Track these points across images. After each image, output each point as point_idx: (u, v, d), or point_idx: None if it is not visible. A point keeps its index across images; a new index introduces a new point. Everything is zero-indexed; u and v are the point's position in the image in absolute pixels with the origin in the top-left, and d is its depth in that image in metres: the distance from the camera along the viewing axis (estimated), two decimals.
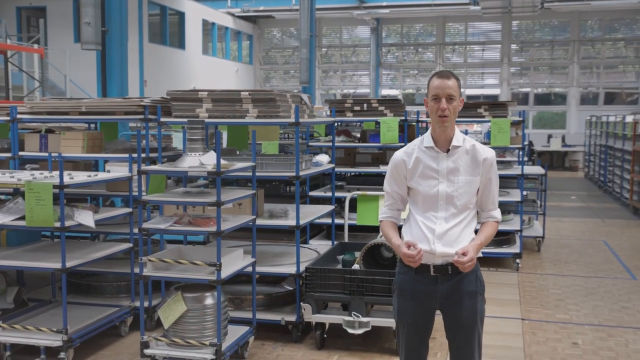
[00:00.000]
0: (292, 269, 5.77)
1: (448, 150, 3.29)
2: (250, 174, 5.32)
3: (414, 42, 29.37)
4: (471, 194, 3.28)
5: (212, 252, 5.28)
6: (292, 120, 5.65)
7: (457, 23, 28.48)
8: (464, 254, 3.12)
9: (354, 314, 5.37)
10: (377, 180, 9.87)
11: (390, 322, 5.40)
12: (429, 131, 3.38)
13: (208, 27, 25.28)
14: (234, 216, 5.32)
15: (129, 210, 5.76)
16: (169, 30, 22.25)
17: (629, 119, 14.43)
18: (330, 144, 9.03)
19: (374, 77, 28.95)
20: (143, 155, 5.85)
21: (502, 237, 8.73)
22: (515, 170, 9.17)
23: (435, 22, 28.47)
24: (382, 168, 8.83)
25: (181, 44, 22.98)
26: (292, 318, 5.71)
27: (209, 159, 4.85)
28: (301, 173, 5.68)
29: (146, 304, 5.89)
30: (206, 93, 5.75)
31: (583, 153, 23.56)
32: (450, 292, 3.28)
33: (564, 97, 27.19)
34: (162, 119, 5.88)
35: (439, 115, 3.25)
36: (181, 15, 22.99)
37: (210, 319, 4.90)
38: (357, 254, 6.04)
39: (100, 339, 5.64)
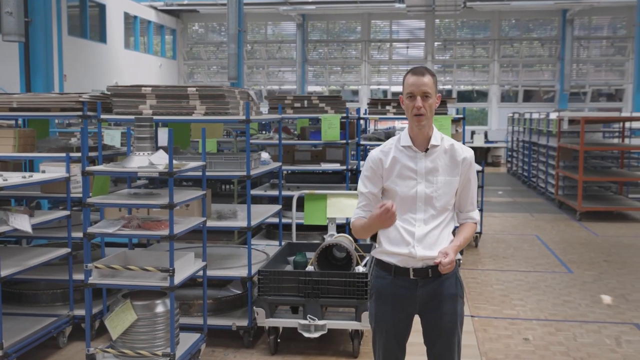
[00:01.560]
0: (243, 272, 5.56)
1: (426, 150, 3.17)
2: (200, 173, 5.08)
3: (339, 38, 29.41)
4: (450, 195, 3.18)
5: (159, 256, 5.03)
6: (243, 117, 5.44)
7: (382, 20, 28.74)
8: (445, 255, 3.02)
9: (310, 317, 5.21)
10: (315, 178, 9.77)
11: (346, 325, 5.28)
12: (405, 130, 3.26)
13: (130, 21, 24.49)
14: (183, 218, 5.06)
15: (67, 213, 5.40)
16: (89, 23, 21.39)
17: (553, 116, 14.88)
18: (269, 141, 8.88)
19: (300, 73, 28.83)
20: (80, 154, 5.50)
21: None
22: None
23: (360, 19, 28.62)
24: (323, 166, 8.71)
25: (102, 38, 22.15)
26: (243, 323, 5.51)
27: (159, 159, 4.58)
28: (252, 172, 5.48)
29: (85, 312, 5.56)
30: (150, 89, 5.45)
31: (505, 149, 24.23)
32: (431, 296, 3.17)
33: (485, 95, 27.88)
34: (103, 116, 5.54)
35: (414, 114, 3.13)
36: (102, 8, 22.15)
37: (162, 327, 4.64)
38: (308, 255, 5.90)
39: (37, 351, 5.26)
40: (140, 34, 25.38)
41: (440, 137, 3.20)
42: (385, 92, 29.13)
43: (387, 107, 8.47)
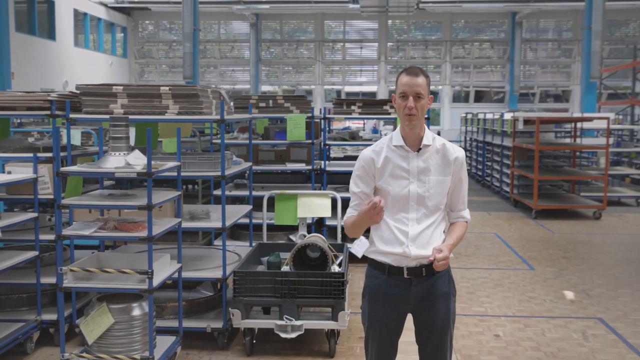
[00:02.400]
0: (217, 273, 5.50)
1: (419, 150, 3.20)
2: (175, 174, 5.01)
3: (293, 38, 29.40)
4: (442, 194, 3.21)
5: (134, 258, 4.95)
6: (217, 117, 5.38)
7: (336, 21, 28.85)
8: (439, 251, 3.04)
9: (287, 318, 5.19)
10: (279, 178, 9.75)
11: (323, 325, 5.28)
12: (397, 129, 3.27)
13: (80, 18, 24.00)
14: (158, 219, 4.96)
15: (35, 215, 5.25)
16: (37, 19, 20.85)
17: (507, 116, 15.19)
18: (234, 141, 8.81)
19: (254, 73, 28.72)
20: (51, 154, 5.35)
21: None
22: None
23: (314, 19, 28.68)
24: (288, 166, 8.69)
25: (51, 35, 21.63)
26: (218, 324, 5.45)
27: (135, 159, 4.50)
28: (226, 172, 5.43)
29: (54, 316, 5.42)
30: (121, 88, 5.34)
31: None
32: (424, 295, 3.20)
33: (437, 95, 28.27)
34: (72, 115, 5.41)
35: (406, 114, 3.14)
36: (51, 4, 21.64)
37: (139, 330, 4.55)
38: (282, 255, 5.88)
39: (4, 358, 5.09)
40: (90, 31, 24.88)
41: (432, 137, 3.23)
42: (339, 92, 29.24)
43: (353, 107, 8.50)
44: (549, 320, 6.26)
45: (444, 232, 3.27)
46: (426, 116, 3.53)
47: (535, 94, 28.32)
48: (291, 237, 8.56)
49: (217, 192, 8.01)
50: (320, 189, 8.58)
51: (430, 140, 3.21)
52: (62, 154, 5.56)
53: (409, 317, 3.32)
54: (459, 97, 28.59)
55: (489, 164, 16.98)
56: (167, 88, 5.30)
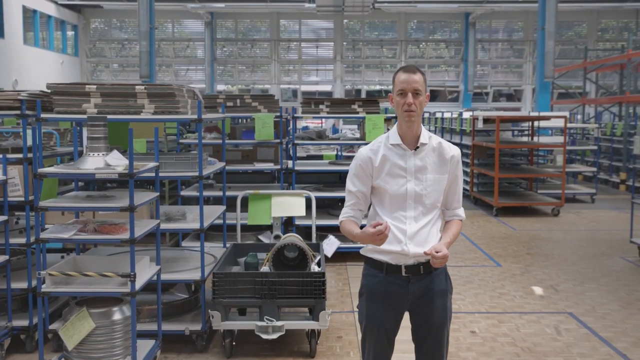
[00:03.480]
0: (194, 275, 5.42)
1: (416, 148, 3.20)
2: (153, 174, 4.91)
3: (248, 37, 29.23)
4: (439, 193, 3.22)
5: (111, 260, 4.83)
6: (194, 116, 5.30)
7: (291, 20, 28.80)
8: (437, 251, 3.05)
9: (267, 319, 5.15)
10: (245, 177, 9.68)
11: (304, 325, 5.25)
12: (394, 128, 3.26)
13: (29, 15, 23.36)
14: (136, 221, 4.86)
15: (4, 218, 5.07)
16: None
17: (466, 115, 15.41)
18: (203, 141, 8.68)
19: (209, 72, 28.46)
20: (20, 155, 5.18)
21: None
22: None
23: (269, 18, 28.56)
24: (257, 165, 8.63)
25: (0, 33, 20.99)
26: (196, 327, 5.37)
27: (115, 159, 4.39)
28: (203, 172, 5.36)
29: (25, 322, 5.26)
30: (95, 87, 5.20)
31: None
32: (422, 292, 3.20)
33: None
34: (43, 115, 5.24)
35: (405, 110, 3.14)
36: None
37: (120, 335, 4.44)
38: (260, 256, 5.82)
39: None
40: (40, 29, 24.25)
41: (428, 136, 3.23)
42: (295, 91, 29.21)
43: (321, 106, 8.49)
44: (522, 315, 6.36)
45: (439, 230, 3.28)
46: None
47: (489, 93, 28.81)
48: (260, 237, 8.51)
49: (185, 193, 7.90)
50: (289, 189, 8.55)
51: (426, 138, 3.22)
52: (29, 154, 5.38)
53: (405, 315, 3.32)
54: None
55: None
56: (143, 87, 5.19)
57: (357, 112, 8.52)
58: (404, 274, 3.18)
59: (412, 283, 3.19)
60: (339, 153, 12.46)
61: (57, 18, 25.69)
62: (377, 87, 29.09)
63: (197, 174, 5.30)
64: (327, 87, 29.01)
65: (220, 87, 29.23)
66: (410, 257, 3.15)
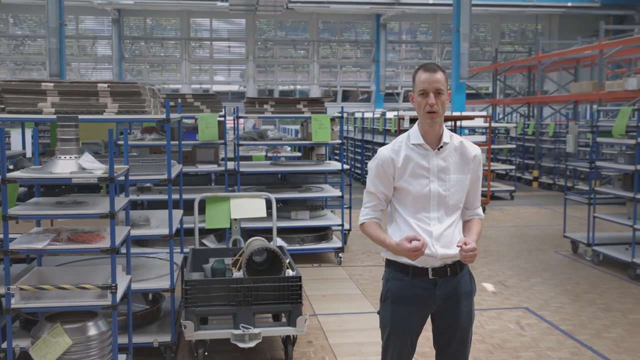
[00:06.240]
0: (162, 283, 5.14)
1: (439, 148, 3.13)
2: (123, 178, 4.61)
3: (158, 36, 28.43)
4: (462, 193, 3.17)
5: (81, 271, 4.49)
6: (162, 116, 5.03)
7: (203, 18, 28.25)
8: (465, 244, 2.98)
9: (243, 327, 4.95)
10: (187, 180, 9.32)
11: (281, 331, 5.09)
12: (415, 127, 3.18)
13: None
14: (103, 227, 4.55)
15: None
16: None
17: (390, 115, 15.60)
18: (140, 142, 8.30)
19: (117, 71, 27.46)
20: None
21: (321, 233, 8.82)
22: (327, 166, 9.36)
23: (180, 16, 27.90)
24: (200, 167, 8.35)
25: None
26: (165, 338, 5.09)
27: (88, 163, 4.08)
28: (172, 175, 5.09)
29: None
30: (52, 84, 4.83)
31: (332, 147, 24.92)
32: (449, 295, 3.15)
33: (306, 94, 28.53)
34: None
35: (427, 111, 3.07)
36: None
37: (95, 352, 4.12)
38: (226, 261, 5.61)
39: None
40: None
41: (449, 135, 3.17)
42: (207, 90, 28.67)
43: (265, 106, 8.31)
44: (482, 312, 6.45)
45: (461, 231, 3.23)
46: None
47: (400, 93, 29.37)
48: (204, 241, 8.23)
49: (135, 197, 7.55)
50: (234, 191, 8.32)
51: (448, 138, 3.16)
52: None
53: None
54: (328, 97, 29.04)
55: (368, 162, 17.33)
56: (106, 85, 4.87)
57: (303, 112, 8.40)
58: (430, 276, 3.11)
59: (439, 286, 3.13)
60: (271, 154, 12.27)
61: None
62: (291, 87, 29.03)
63: (165, 176, 5.03)
64: (238, 87, 28.68)
65: None
66: (438, 259, 3.09)
